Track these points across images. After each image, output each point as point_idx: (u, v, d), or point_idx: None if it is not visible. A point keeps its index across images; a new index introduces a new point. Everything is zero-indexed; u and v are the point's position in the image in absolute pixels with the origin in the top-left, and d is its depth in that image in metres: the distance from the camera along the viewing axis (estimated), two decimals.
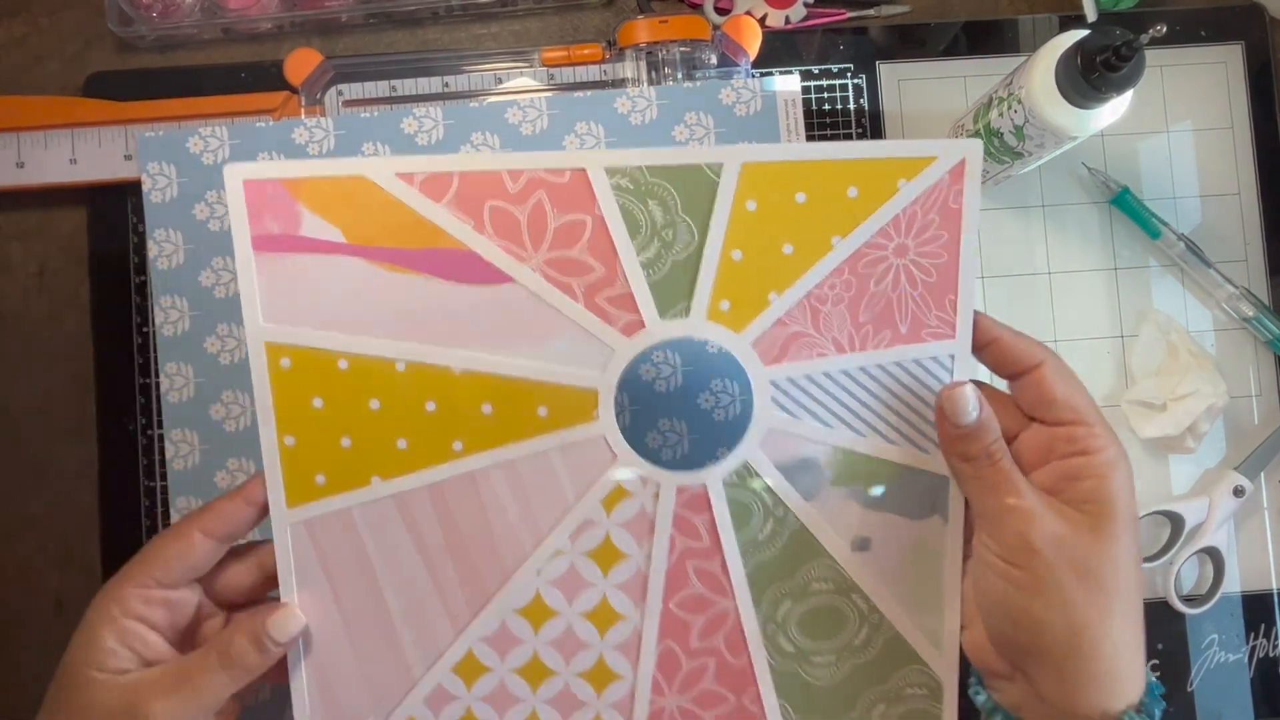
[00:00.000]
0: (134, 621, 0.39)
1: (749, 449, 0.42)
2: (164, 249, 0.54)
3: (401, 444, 0.41)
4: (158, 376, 0.55)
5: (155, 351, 0.56)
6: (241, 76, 0.58)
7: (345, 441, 0.41)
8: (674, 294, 0.41)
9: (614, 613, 0.43)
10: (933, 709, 0.43)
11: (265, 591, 0.43)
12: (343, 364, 0.41)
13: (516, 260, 0.41)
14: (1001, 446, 0.39)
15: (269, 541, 0.42)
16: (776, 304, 0.41)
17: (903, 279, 0.41)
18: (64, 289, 0.58)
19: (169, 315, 0.54)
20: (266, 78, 0.58)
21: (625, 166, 0.41)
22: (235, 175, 0.40)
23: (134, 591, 0.39)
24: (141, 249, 0.57)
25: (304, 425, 0.41)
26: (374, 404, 0.41)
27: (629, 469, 0.42)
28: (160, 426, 0.56)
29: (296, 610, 0.41)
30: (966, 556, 0.42)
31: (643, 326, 0.41)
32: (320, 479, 0.41)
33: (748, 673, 0.43)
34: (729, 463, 0.42)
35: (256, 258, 0.41)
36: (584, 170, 0.41)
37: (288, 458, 0.41)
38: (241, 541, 0.43)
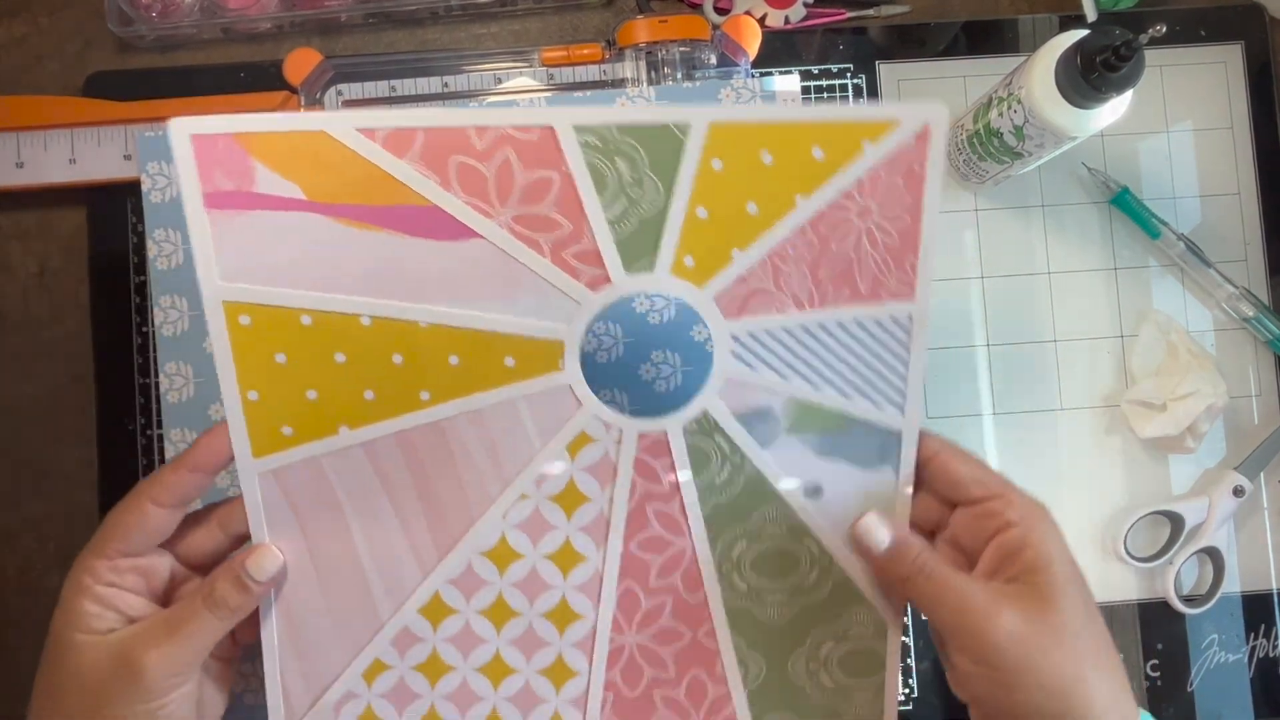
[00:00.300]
0: (108, 588, 0.40)
1: (708, 398, 0.43)
2: (163, 249, 0.54)
3: (369, 395, 0.42)
4: (158, 376, 0.55)
5: (155, 351, 0.56)
6: (241, 76, 0.58)
7: (311, 394, 0.42)
8: (639, 250, 0.42)
9: (576, 554, 0.44)
10: (878, 647, 0.44)
11: (231, 550, 0.43)
12: (306, 320, 0.41)
13: (483, 216, 0.41)
14: (929, 557, 0.41)
15: (227, 501, 0.43)
16: (739, 261, 0.42)
17: (864, 240, 0.42)
18: (64, 289, 0.58)
19: (169, 315, 0.54)
20: (266, 78, 0.58)
21: (594, 125, 0.41)
22: (182, 130, 0.40)
23: (101, 563, 0.40)
24: (141, 249, 0.57)
25: (267, 380, 0.41)
26: (340, 357, 0.41)
27: (594, 414, 0.43)
28: (160, 426, 0.56)
29: (274, 549, 0.42)
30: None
31: (608, 281, 0.42)
32: (287, 430, 0.42)
33: (703, 609, 0.44)
34: (689, 411, 0.43)
35: (209, 215, 0.40)
36: (552, 128, 0.41)
37: (251, 412, 0.41)
38: (204, 503, 0.44)
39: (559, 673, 0.44)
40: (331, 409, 0.42)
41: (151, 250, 0.54)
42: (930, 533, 0.44)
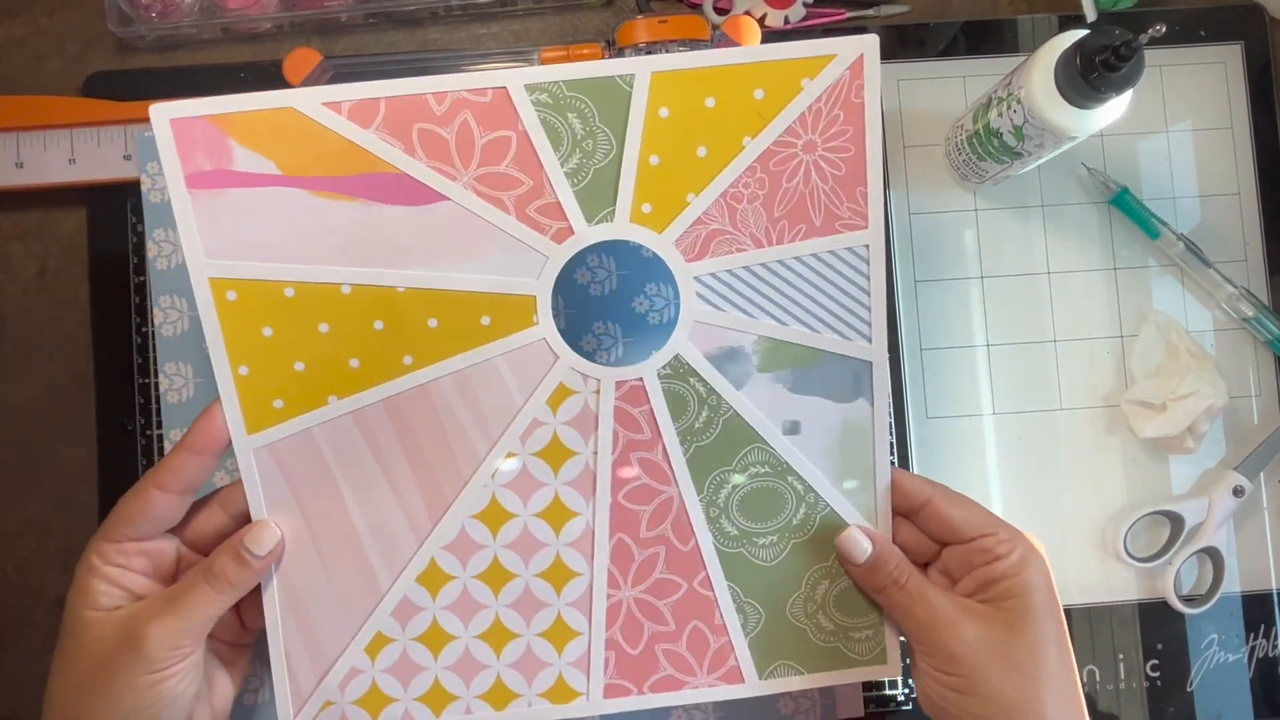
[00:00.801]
0: (115, 569, 0.41)
1: (679, 342, 0.44)
2: (163, 249, 0.54)
3: (354, 363, 0.43)
4: (157, 376, 0.55)
5: (155, 351, 0.56)
6: (241, 76, 0.58)
7: (299, 365, 0.43)
8: (599, 200, 0.43)
9: (567, 510, 0.45)
10: None
11: (235, 531, 0.44)
12: (289, 292, 0.42)
13: (448, 179, 0.43)
14: (905, 570, 0.43)
15: (230, 484, 0.44)
16: (695, 204, 0.43)
17: (813, 174, 0.43)
18: (64, 289, 0.58)
19: (168, 315, 0.54)
20: (266, 77, 0.58)
21: (543, 82, 0.42)
22: (162, 115, 0.42)
23: (109, 546, 0.42)
24: (141, 249, 0.57)
25: (256, 354, 0.43)
26: (323, 327, 0.43)
27: (571, 366, 0.44)
28: (160, 426, 0.56)
29: (271, 525, 0.43)
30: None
31: (572, 233, 0.43)
32: (278, 403, 0.43)
33: (696, 557, 0.45)
34: (662, 356, 0.44)
35: (191, 195, 0.42)
36: (505, 88, 0.42)
37: (243, 387, 0.43)
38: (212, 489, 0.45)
39: (560, 634, 0.45)
40: (319, 379, 0.43)
41: (151, 250, 0.54)
42: (925, 564, 0.45)
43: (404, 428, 0.43)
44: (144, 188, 0.54)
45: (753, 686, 0.46)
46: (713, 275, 0.44)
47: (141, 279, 0.57)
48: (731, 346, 0.44)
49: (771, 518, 0.45)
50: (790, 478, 0.45)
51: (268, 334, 0.42)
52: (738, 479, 0.45)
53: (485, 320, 0.43)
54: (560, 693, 0.45)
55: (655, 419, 0.44)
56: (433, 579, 0.45)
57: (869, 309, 0.44)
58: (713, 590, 0.45)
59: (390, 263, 0.43)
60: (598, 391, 0.44)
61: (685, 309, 0.44)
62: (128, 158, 0.56)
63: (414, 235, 0.43)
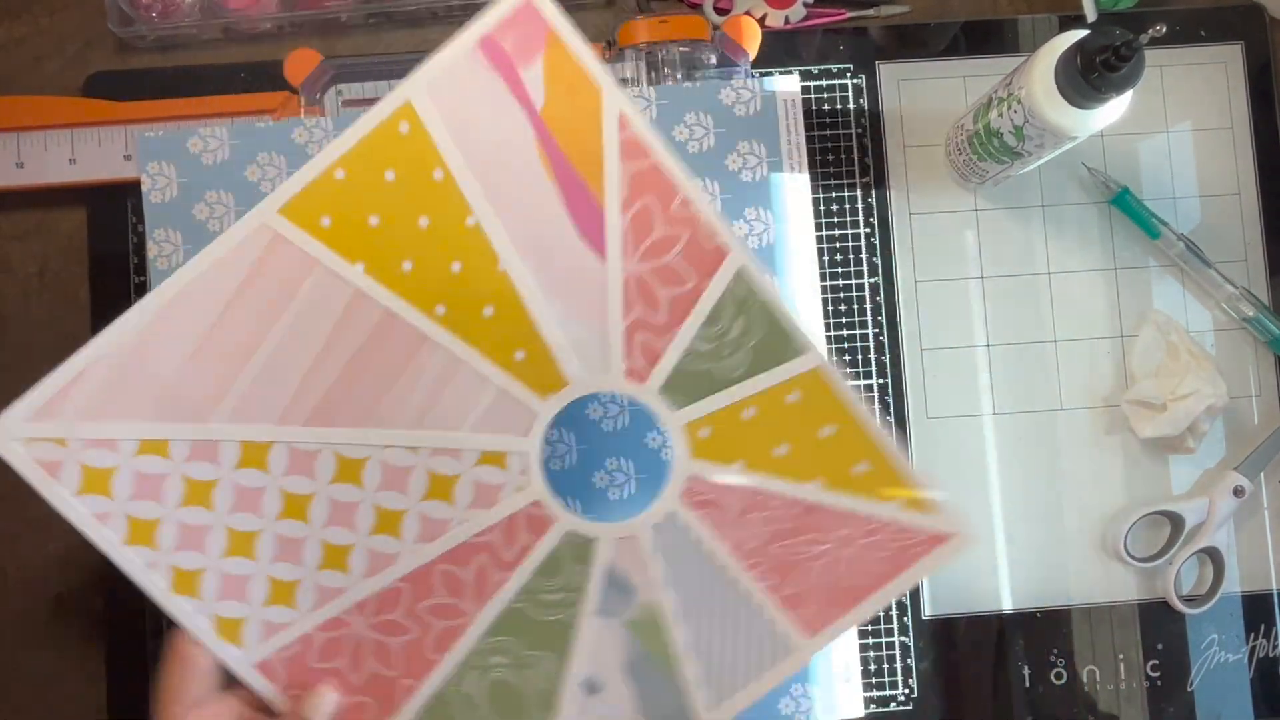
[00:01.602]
0: None
1: (608, 544, 0.43)
2: (163, 249, 0.54)
3: (406, 266, 0.42)
4: None
5: None
6: (241, 76, 0.58)
7: (373, 220, 0.42)
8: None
9: (396, 530, 0.43)
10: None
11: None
12: (438, 174, 0.42)
13: None
14: None
15: None
16: (735, 470, 0.43)
17: (821, 564, 0.43)
18: (64, 289, 0.58)
19: None
20: (266, 78, 0.57)
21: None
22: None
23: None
24: (141, 249, 0.57)
25: (359, 177, 0.42)
26: (423, 221, 0.42)
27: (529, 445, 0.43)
28: None
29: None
30: None
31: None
32: (325, 221, 0.42)
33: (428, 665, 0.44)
34: (579, 525, 0.43)
35: (474, 53, 0.41)
36: None
37: (318, 184, 0.42)
38: None
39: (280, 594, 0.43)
40: (366, 247, 0.42)
41: (151, 250, 0.54)
42: None
43: (375, 343, 0.42)
44: (144, 188, 0.54)
45: None
46: (688, 518, 0.43)
47: (141, 279, 0.57)
48: (630, 582, 0.44)
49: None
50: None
51: (389, 178, 0.42)
52: (511, 661, 0.44)
53: (519, 355, 0.43)
54: (227, 628, 0.43)
55: (522, 559, 0.43)
56: (251, 454, 0.42)
57: (738, 692, 0.44)
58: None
59: (519, 247, 0.42)
60: (518, 489, 0.43)
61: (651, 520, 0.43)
62: (128, 158, 0.56)
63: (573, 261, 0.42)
